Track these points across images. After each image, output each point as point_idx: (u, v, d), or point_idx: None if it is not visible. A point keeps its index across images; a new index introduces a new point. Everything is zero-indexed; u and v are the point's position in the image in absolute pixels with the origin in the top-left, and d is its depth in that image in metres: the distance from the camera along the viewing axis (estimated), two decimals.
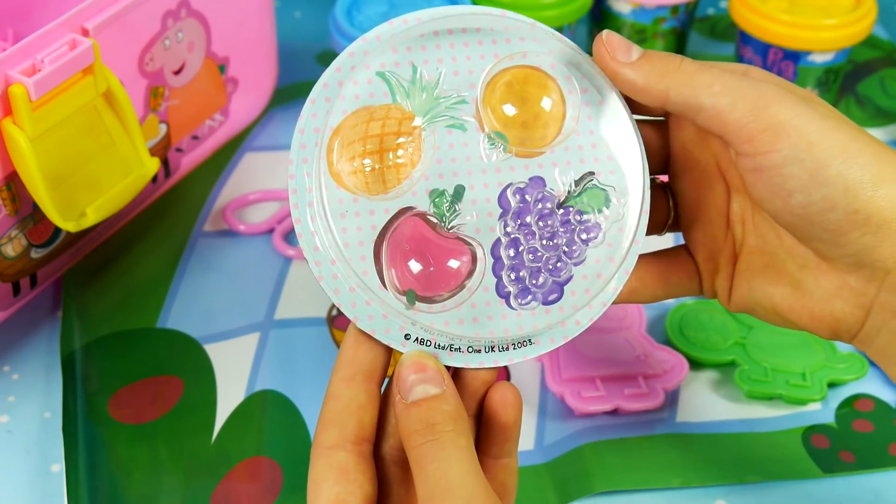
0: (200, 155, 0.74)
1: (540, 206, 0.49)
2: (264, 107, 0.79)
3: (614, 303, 0.52)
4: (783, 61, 0.79)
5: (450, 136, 0.49)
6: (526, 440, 0.62)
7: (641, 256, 0.53)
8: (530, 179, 0.49)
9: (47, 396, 0.64)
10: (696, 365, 0.66)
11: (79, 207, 0.61)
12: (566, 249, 0.50)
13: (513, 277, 0.49)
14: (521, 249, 0.49)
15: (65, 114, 0.59)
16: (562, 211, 0.50)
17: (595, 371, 0.64)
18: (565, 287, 0.50)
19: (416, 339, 0.48)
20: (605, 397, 0.63)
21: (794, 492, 0.60)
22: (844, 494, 0.59)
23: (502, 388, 0.49)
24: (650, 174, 0.53)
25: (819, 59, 0.78)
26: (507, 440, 0.49)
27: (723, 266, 0.53)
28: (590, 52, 0.51)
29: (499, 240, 0.49)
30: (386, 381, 0.49)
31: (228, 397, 0.64)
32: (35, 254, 0.64)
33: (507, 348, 0.49)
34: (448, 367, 0.48)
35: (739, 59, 0.82)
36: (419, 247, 0.48)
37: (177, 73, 0.69)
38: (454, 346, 0.49)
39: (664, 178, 0.55)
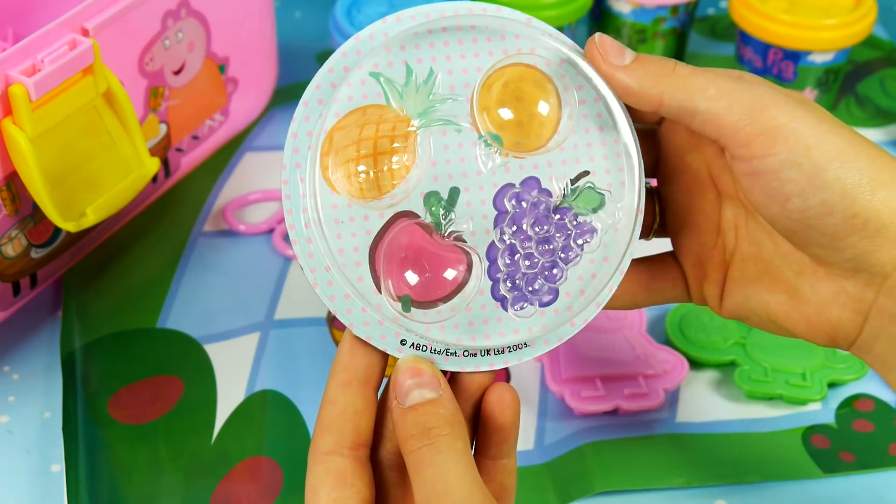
0: (200, 155, 0.74)
1: (535, 210, 0.49)
2: (264, 107, 0.79)
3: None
4: (783, 61, 0.79)
5: (444, 138, 0.49)
6: (526, 440, 0.62)
7: None
8: (525, 181, 0.49)
9: (47, 396, 0.64)
10: (696, 365, 0.66)
11: (79, 207, 0.61)
12: (562, 255, 0.49)
13: (509, 285, 0.49)
14: (516, 256, 0.49)
15: (65, 114, 0.59)
16: (557, 215, 0.49)
17: (595, 371, 0.64)
18: (560, 289, 0.49)
19: (412, 344, 0.48)
20: (605, 397, 0.63)
21: (794, 492, 0.60)
22: (844, 494, 0.59)
23: (499, 390, 0.49)
24: None
25: (819, 59, 0.78)
26: (505, 441, 0.49)
27: (711, 272, 0.53)
28: None
29: (494, 244, 0.49)
30: (384, 384, 0.49)
31: (228, 397, 0.64)
32: (35, 254, 0.64)
33: (503, 351, 0.49)
34: (444, 372, 0.48)
35: (739, 58, 0.82)
36: (415, 254, 0.48)
37: (177, 73, 0.69)
38: (450, 351, 0.48)
39: (652, 181, 0.55)
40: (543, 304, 0.49)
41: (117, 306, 0.69)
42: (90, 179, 0.62)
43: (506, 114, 0.49)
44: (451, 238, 0.48)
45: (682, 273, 0.54)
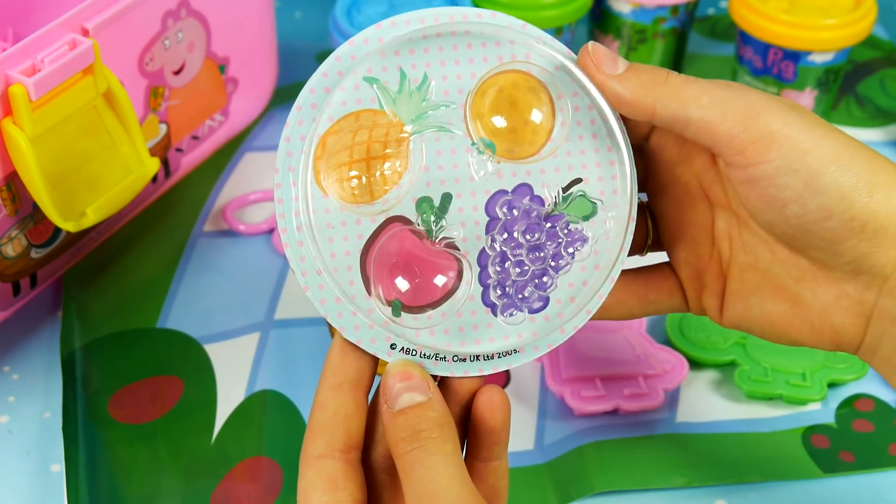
0: (200, 155, 0.74)
1: (527, 217, 0.49)
2: (264, 107, 0.79)
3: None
4: (783, 61, 0.79)
5: (437, 144, 0.48)
6: (526, 440, 0.62)
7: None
8: (517, 188, 0.49)
9: (47, 396, 0.64)
10: (696, 365, 0.66)
11: (79, 207, 0.61)
12: (552, 263, 0.49)
13: (499, 292, 0.49)
14: (507, 264, 0.49)
15: (65, 114, 0.59)
16: (549, 223, 0.49)
17: (595, 371, 0.64)
18: (551, 296, 0.49)
19: (402, 349, 0.48)
20: (605, 397, 0.63)
21: (794, 492, 0.60)
22: (844, 494, 0.59)
23: (489, 392, 0.49)
24: None
25: (819, 59, 0.78)
26: (496, 443, 0.49)
27: (709, 283, 0.53)
28: None
29: (485, 251, 0.49)
30: (375, 387, 0.49)
31: (228, 397, 0.64)
32: (35, 254, 0.64)
33: (492, 357, 0.49)
34: (434, 376, 0.48)
35: (739, 58, 0.82)
36: (405, 260, 0.48)
37: (177, 73, 0.69)
38: (439, 356, 0.49)
39: (642, 195, 0.55)
40: (533, 311, 0.49)
41: (117, 306, 0.69)
42: (90, 179, 0.62)
43: (499, 121, 0.49)
44: (443, 244, 0.48)
45: (680, 284, 0.54)
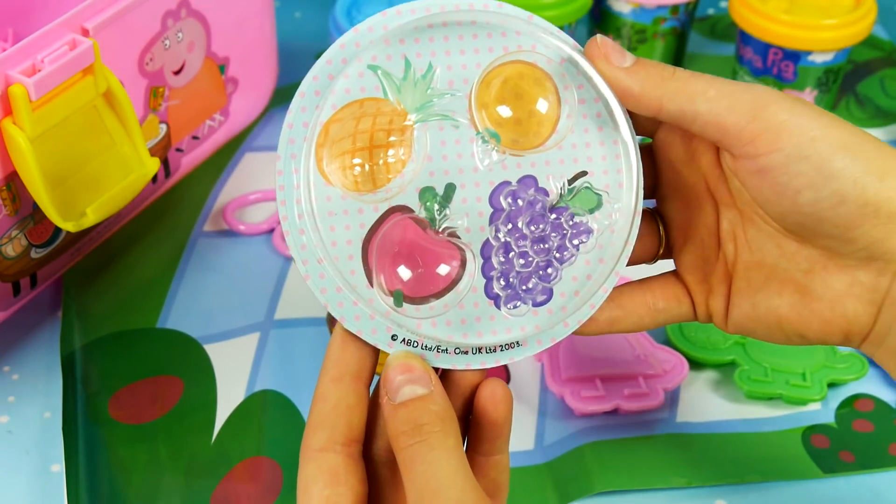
0: (200, 155, 0.74)
1: (531, 208, 0.49)
2: (264, 107, 0.79)
3: (594, 333, 0.52)
4: (783, 61, 0.79)
5: (441, 134, 0.48)
6: (526, 440, 0.62)
7: (623, 285, 0.53)
8: (522, 179, 0.49)
9: (47, 396, 0.64)
10: (696, 365, 0.65)
11: (79, 207, 0.61)
12: (557, 255, 0.49)
13: (502, 283, 0.49)
14: (511, 255, 0.49)
15: (65, 114, 0.59)
16: (553, 214, 0.49)
17: (595, 371, 0.64)
18: (555, 289, 0.49)
19: (403, 340, 0.48)
20: (605, 397, 0.63)
21: (794, 492, 0.60)
22: (844, 494, 0.59)
23: (492, 385, 0.49)
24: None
25: (819, 59, 0.78)
26: (498, 437, 0.49)
27: (716, 287, 0.53)
28: None
29: (489, 241, 0.49)
30: (377, 378, 0.49)
31: (228, 397, 0.64)
32: (35, 254, 0.64)
33: (495, 350, 0.49)
34: (435, 368, 0.48)
35: (739, 58, 0.82)
36: (408, 249, 0.48)
37: (177, 73, 0.69)
38: (441, 348, 0.48)
39: (651, 202, 0.55)
40: (537, 304, 0.49)
41: (117, 306, 0.69)
42: (90, 179, 0.62)
43: (504, 111, 0.49)
44: (446, 234, 0.48)
45: (687, 291, 0.54)
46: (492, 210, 0.48)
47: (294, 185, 0.48)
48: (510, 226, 0.49)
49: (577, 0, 0.79)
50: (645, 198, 0.52)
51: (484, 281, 0.48)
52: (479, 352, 0.49)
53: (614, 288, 0.51)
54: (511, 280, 0.49)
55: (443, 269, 0.48)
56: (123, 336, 0.67)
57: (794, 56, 0.78)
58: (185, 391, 0.64)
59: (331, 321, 0.68)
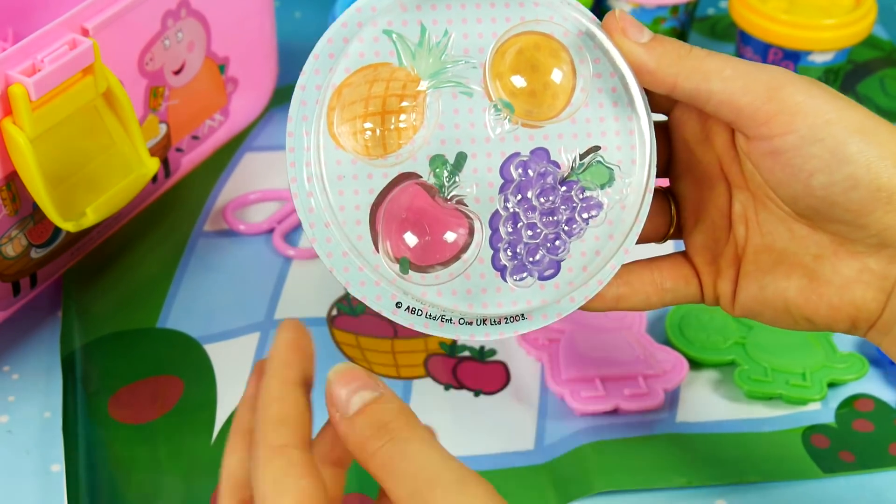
0: (200, 155, 0.74)
1: (542, 180, 0.48)
2: (264, 107, 0.79)
3: (601, 309, 0.51)
4: (783, 61, 0.79)
5: (455, 102, 0.48)
6: (526, 440, 0.62)
7: (631, 263, 0.53)
8: (534, 151, 0.48)
9: (47, 396, 0.64)
10: (696, 365, 0.65)
11: (79, 207, 0.61)
12: (566, 228, 0.49)
13: (510, 254, 0.48)
14: (519, 225, 0.48)
15: (65, 114, 0.59)
16: (564, 187, 0.49)
17: (595, 371, 0.64)
18: (562, 263, 0.49)
19: (408, 307, 0.47)
20: (605, 397, 0.63)
21: (794, 492, 0.60)
22: (844, 494, 0.59)
23: None
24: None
25: (819, 59, 0.78)
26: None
27: (725, 269, 0.53)
28: None
29: (498, 212, 0.48)
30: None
31: (228, 397, 0.64)
32: (35, 254, 0.64)
33: (500, 322, 0.48)
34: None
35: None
36: (416, 216, 0.47)
37: (177, 73, 0.69)
38: (445, 317, 0.48)
39: (664, 181, 0.55)
40: (544, 278, 0.49)
41: (117, 306, 0.69)
42: (90, 179, 0.62)
43: (519, 81, 0.48)
44: (454, 202, 0.48)
45: (696, 272, 0.54)
46: (502, 180, 0.48)
47: (304, 148, 0.47)
48: (519, 196, 0.48)
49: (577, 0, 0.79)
50: (658, 176, 0.52)
51: (491, 252, 0.48)
52: (484, 323, 0.48)
53: (622, 265, 0.51)
54: (518, 251, 0.48)
55: (450, 237, 0.47)
56: (123, 336, 0.67)
57: (794, 56, 0.78)
58: (185, 391, 0.64)
59: (331, 321, 0.68)
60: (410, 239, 0.47)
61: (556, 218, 0.48)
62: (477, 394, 0.64)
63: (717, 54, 0.48)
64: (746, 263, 0.52)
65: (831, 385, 0.64)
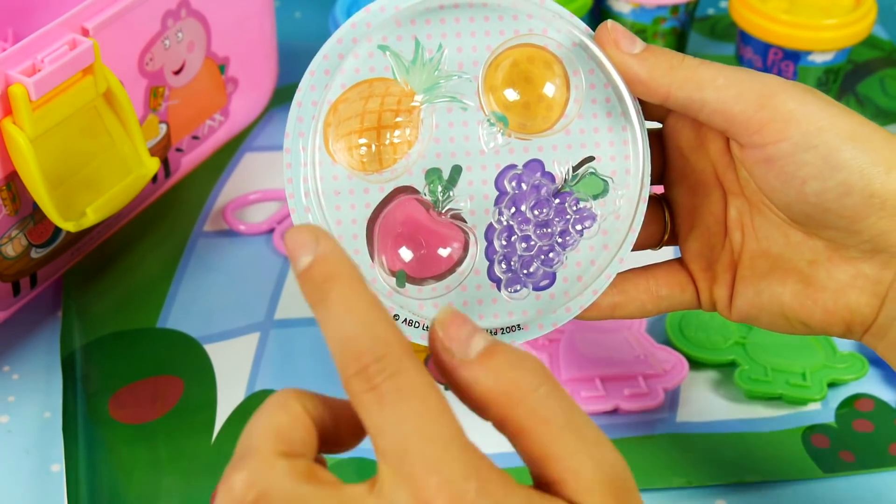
0: (200, 155, 0.74)
1: (536, 193, 0.49)
2: (264, 107, 0.79)
3: (596, 318, 0.51)
4: (783, 61, 0.79)
5: (449, 116, 0.48)
6: None
7: (626, 271, 0.53)
8: (528, 163, 0.49)
9: (47, 396, 0.64)
10: (696, 365, 0.65)
11: (79, 207, 0.61)
12: (560, 239, 0.49)
13: (504, 267, 0.49)
14: (513, 238, 0.49)
15: (65, 114, 0.59)
16: (558, 199, 0.49)
17: (595, 371, 0.64)
18: (558, 274, 0.49)
19: (405, 320, 0.48)
20: (605, 397, 0.63)
21: (794, 492, 0.60)
22: (844, 494, 0.59)
23: None
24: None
25: (819, 59, 0.78)
26: None
27: (721, 274, 0.53)
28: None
29: (492, 225, 0.49)
30: None
31: (228, 397, 0.64)
32: (35, 254, 0.64)
33: (496, 332, 0.49)
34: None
35: (739, 59, 0.82)
36: (412, 230, 0.47)
37: (177, 73, 0.69)
38: None
39: (659, 188, 0.55)
40: (539, 288, 0.49)
41: (117, 306, 0.69)
42: (90, 179, 0.62)
43: (512, 95, 0.49)
44: (449, 215, 0.48)
45: (692, 278, 0.54)
46: (497, 193, 0.48)
47: (301, 164, 0.47)
48: (513, 209, 0.49)
49: (577, 0, 0.79)
50: (653, 183, 0.53)
51: (487, 264, 0.48)
52: None
53: (618, 274, 0.51)
54: (513, 264, 0.49)
55: (445, 251, 0.48)
56: (123, 336, 0.67)
57: (794, 56, 0.78)
58: (185, 391, 0.64)
59: None
60: (406, 253, 0.47)
61: (550, 230, 0.49)
62: None
63: (709, 63, 0.48)
64: (743, 269, 0.52)
65: (831, 385, 0.64)
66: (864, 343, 0.50)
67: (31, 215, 0.62)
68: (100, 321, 0.68)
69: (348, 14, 0.78)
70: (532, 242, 0.49)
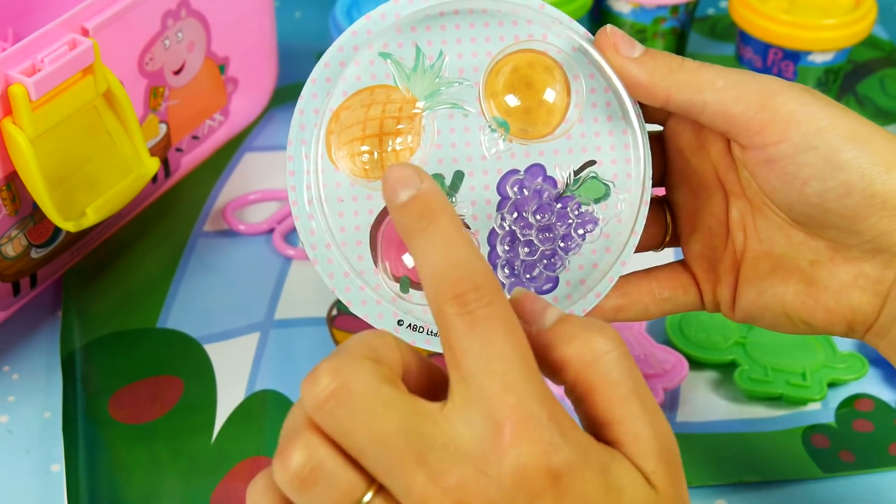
0: (200, 155, 0.74)
1: (538, 197, 0.49)
2: (264, 107, 0.79)
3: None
4: (783, 61, 0.79)
5: (451, 122, 0.49)
6: None
7: (628, 274, 0.53)
8: (529, 168, 0.49)
9: (47, 396, 0.64)
10: (696, 365, 0.65)
11: (79, 207, 0.61)
12: (562, 244, 0.49)
13: (507, 272, 0.49)
14: (515, 244, 0.49)
15: (65, 114, 0.59)
16: (560, 204, 0.49)
17: None
18: (560, 278, 0.49)
19: (409, 325, 0.48)
20: None
21: (794, 492, 0.60)
22: (844, 494, 0.59)
23: None
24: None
25: (819, 59, 0.78)
26: None
27: (724, 275, 0.53)
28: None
29: (495, 230, 0.49)
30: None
31: (228, 397, 0.64)
32: (35, 254, 0.64)
33: None
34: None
35: (739, 59, 0.82)
36: None
37: (177, 73, 0.69)
38: None
39: (660, 191, 0.55)
40: (542, 292, 0.49)
41: (117, 306, 0.69)
42: (90, 179, 0.62)
43: (513, 100, 0.49)
44: None
45: (694, 280, 0.54)
46: (499, 198, 0.49)
47: (304, 171, 0.48)
48: (515, 214, 0.49)
49: (577, 0, 0.79)
50: (654, 185, 0.53)
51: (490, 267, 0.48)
52: None
53: (620, 277, 0.51)
54: (516, 268, 0.49)
55: None
56: (123, 336, 0.67)
57: (794, 56, 0.78)
58: (185, 391, 0.64)
59: (331, 321, 0.68)
60: (409, 259, 0.48)
61: (552, 234, 0.49)
62: None
63: (709, 65, 0.49)
64: (745, 269, 0.52)
65: (831, 385, 0.64)
66: (866, 342, 0.50)
67: (31, 215, 0.62)
68: (100, 321, 0.68)
69: (348, 14, 0.78)
70: (535, 247, 0.49)
